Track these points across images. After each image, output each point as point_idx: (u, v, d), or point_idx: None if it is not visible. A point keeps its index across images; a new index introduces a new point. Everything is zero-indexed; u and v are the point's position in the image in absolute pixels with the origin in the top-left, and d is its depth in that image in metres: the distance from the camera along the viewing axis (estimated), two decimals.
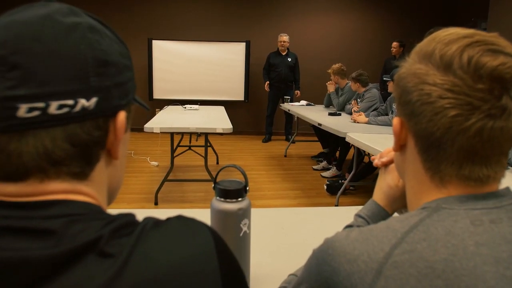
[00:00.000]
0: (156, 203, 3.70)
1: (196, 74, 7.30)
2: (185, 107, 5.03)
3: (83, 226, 0.40)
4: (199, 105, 5.42)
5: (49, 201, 0.41)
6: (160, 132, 3.54)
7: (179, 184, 4.28)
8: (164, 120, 3.87)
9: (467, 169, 0.54)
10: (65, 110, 0.41)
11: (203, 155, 3.94)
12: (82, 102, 0.42)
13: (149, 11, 7.28)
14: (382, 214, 0.81)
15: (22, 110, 0.39)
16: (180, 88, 7.25)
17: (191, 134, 5.17)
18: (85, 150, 0.44)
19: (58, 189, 0.43)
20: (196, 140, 5.69)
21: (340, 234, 0.56)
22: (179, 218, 0.46)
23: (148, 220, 0.44)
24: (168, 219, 0.45)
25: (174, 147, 4.00)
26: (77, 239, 0.39)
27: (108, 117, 0.45)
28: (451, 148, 0.53)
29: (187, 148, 5.04)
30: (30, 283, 0.36)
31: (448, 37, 0.55)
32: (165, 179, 3.80)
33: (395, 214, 0.83)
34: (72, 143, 0.42)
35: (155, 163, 5.08)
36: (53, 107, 0.40)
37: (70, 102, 0.41)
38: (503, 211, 0.52)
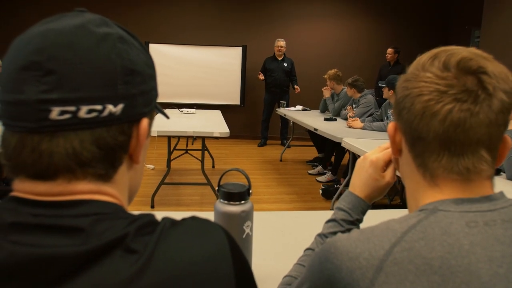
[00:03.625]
0: (152, 206, 3.71)
1: (193, 78, 7.31)
2: (181, 111, 5.04)
3: (109, 224, 0.43)
4: (196, 109, 5.44)
5: (77, 201, 0.44)
6: (157, 136, 3.56)
7: (175, 187, 4.29)
8: (161, 123, 3.88)
9: (445, 159, 0.58)
10: (93, 114, 0.43)
11: (200, 158, 3.95)
12: (110, 107, 0.44)
13: (146, 15, 7.29)
14: (362, 205, 0.85)
15: (55, 113, 0.42)
16: (176, 91, 7.26)
17: (187, 137, 5.18)
18: (110, 153, 0.46)
19: (84, 190, 0.45)
20: (192, 144, 5.70)
21: (341, 235, 0.59)
22: (194, 218, 0.49)
23: (166, 220, 0.47)
24: (184, 220, 0.48)
25: (171, 150, 4.02)
26: (103, 237, 0.41)
27: (132, 123, 0.48)
28: (427, 136, 0.58)
29: (184, 151, 5.05)
30: (60, 277, 0.39)
31: (423, 55, 0.63)
32: (162, 182, 3.82)
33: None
34: (99, 146, 0.45)
35: (151, 166, 5.08)
36: (83, 111, 0.43)
37: (99, 107, 0.44)
38: (497, 214, 0.55)
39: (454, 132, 0.56)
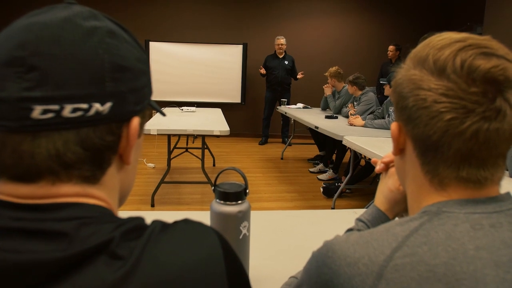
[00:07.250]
0: (152, 205, 3.69)
1: (193, 76, 7.30)
2: (182, 109, 5.02)
3: (94, 228, 0.40)
4: (196, 107, 5.41)
5: (61, 204, 0.42)
6: (157, 134, 3.54)
7: (176, 186, 4.27)
8: (161, 122, 3.86)
9: (465, 171, 0.54)
10: (79, 113, 0.41)
11: (200, 157, 3.94)
12: (97, 106, 0.42)
13: (146, 13, 7.27)
14: (382, 219, 0.82)
15: (37, 112, 0.40)
16: (177, 90, 7.24)
17: (188, 136, 5.16)
18: (97, 154, 0.44)
19: (69, 192, 0.43)
20: (193, 142, 5.68)
21: (339, 237, 0.57)
22: (186, 221, 0.47)
23: (156, 223, 0.44)
24: (176, 223, 0.46)
25: (171, 149, 4.00)
26: (88, 242, 0.39)
27: (121, 122, 0.45)
28: (448, 151, 0.54)
29: (184, 150, 5.03)
30: (40, 285, 0.36)
31: (441, 42, 0.55)
32: (162, 181, 3.80)
33: (396, 219, 0.83)
34: (84, 147, 0.42)
35: (152, 165, 5.07)
36: (67, 110, 0.40)
37: (85, 106, 0.41)
38: (503, 216, 0.53)
39: (478, 150, 0.52)
